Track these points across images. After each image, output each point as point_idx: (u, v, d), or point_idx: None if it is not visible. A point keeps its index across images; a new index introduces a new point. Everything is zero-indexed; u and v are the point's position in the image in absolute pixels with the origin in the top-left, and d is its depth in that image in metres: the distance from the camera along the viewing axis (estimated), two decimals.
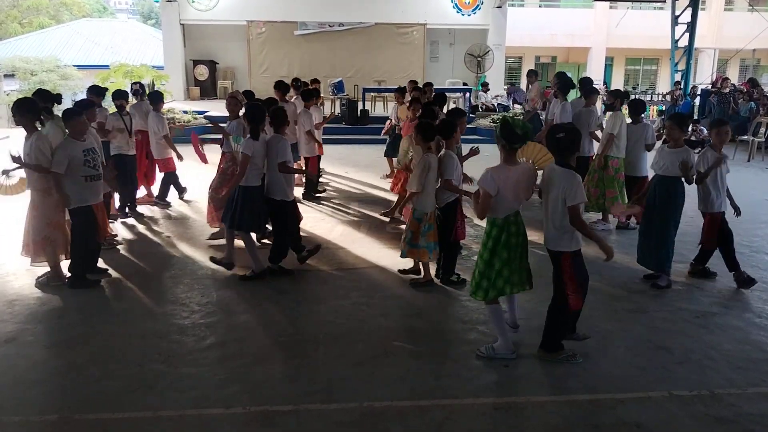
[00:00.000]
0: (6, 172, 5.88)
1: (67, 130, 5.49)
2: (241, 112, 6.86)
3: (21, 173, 5.84)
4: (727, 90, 16.07)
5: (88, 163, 5.43)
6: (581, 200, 3.97)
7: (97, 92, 7.44)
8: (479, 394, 3.89)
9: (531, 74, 11.98)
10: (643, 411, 3.73)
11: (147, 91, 8.99)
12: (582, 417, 3.67)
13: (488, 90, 18.55)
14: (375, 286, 5.69)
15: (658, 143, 6.77)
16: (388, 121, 10.26)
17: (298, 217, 6.27)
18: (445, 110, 8.42)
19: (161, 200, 8.49)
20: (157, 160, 8.32)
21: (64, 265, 5.65)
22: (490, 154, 13.41)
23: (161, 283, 5.74)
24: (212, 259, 6.09)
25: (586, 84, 8.41)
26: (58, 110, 6.10)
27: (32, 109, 5.52)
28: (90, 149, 5.51)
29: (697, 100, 17.37)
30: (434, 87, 10.96)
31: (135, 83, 8.88)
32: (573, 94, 8.85)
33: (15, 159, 5.46)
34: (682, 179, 5.50)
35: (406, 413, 3.69)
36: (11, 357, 4.31)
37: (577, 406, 3.78)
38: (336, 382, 4.01)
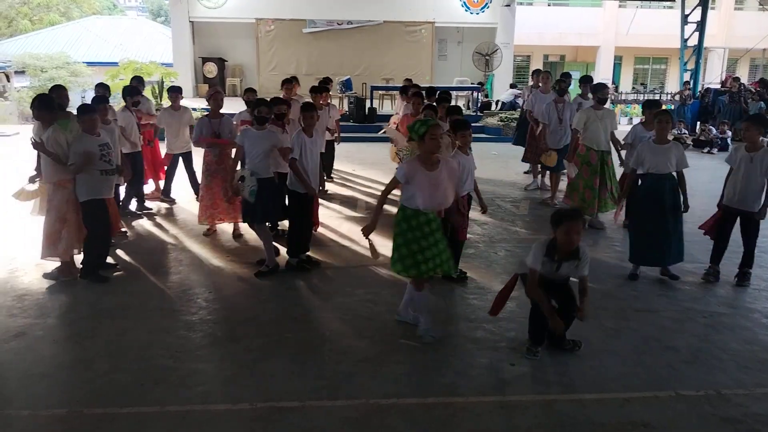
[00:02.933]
0: (32, 179, 5.97)
1: (79, 126, 5.54)
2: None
3: (37, 185, 6.04)
4: (736, 89, 15.97)
5: (104, 157, 5.50)
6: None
7: (104, 88, 7.51)
8: (485, 392, 3.89)
9: (537, 74, 11.22)
10: (649, 410, 3.72)
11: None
12: (588, 416, 3.66)
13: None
14: (381, 283, 5.69)
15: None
16: (394, 117, 10.22)
17: (314, 220, 6.25)
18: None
19: (166, 196, 8.51)
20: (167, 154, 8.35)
21: (76, 260, 5.70)
22: (498, 153, 13.37)
23: (168, 279, 5.77)
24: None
25: (591, 83, 8.40)
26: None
27: (49, 105, 5.58)
28: (104, 144, 5.57)
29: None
30: (441, 86, 10.83)
31: (134, 78, 8.92)
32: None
33: (36, 145, 5.49)
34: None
35: (412, 410, 3.70)
36: (20, 351, 4.34)
37: (583, 405, 3.77)
38: (342, 379, 4.02)
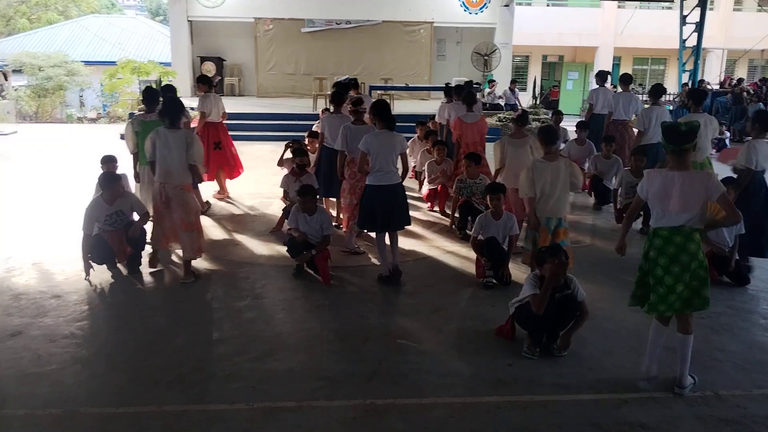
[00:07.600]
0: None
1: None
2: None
3: None
4: (740, 92, 15.98)
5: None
6: None
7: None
8: (482, 393, 3.89)
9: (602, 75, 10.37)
10: (647, 411, 3.72)
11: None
12: (585, 416, 3.66)
13: (495, 86, 18.47)
14: (380, 284, 5.68)
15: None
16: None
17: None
18: None
19: None
20: None
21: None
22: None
23: (166, 279, 5.76)
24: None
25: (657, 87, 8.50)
26: None
27: None
28: (114, 212, 5.71)
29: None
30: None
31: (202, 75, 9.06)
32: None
33: None
34: None
35: (409, 411, 3.69)
36: (17, 350, 4.33)
37: (580, 406, 3.77)
38: (339, 379, 4.02)
